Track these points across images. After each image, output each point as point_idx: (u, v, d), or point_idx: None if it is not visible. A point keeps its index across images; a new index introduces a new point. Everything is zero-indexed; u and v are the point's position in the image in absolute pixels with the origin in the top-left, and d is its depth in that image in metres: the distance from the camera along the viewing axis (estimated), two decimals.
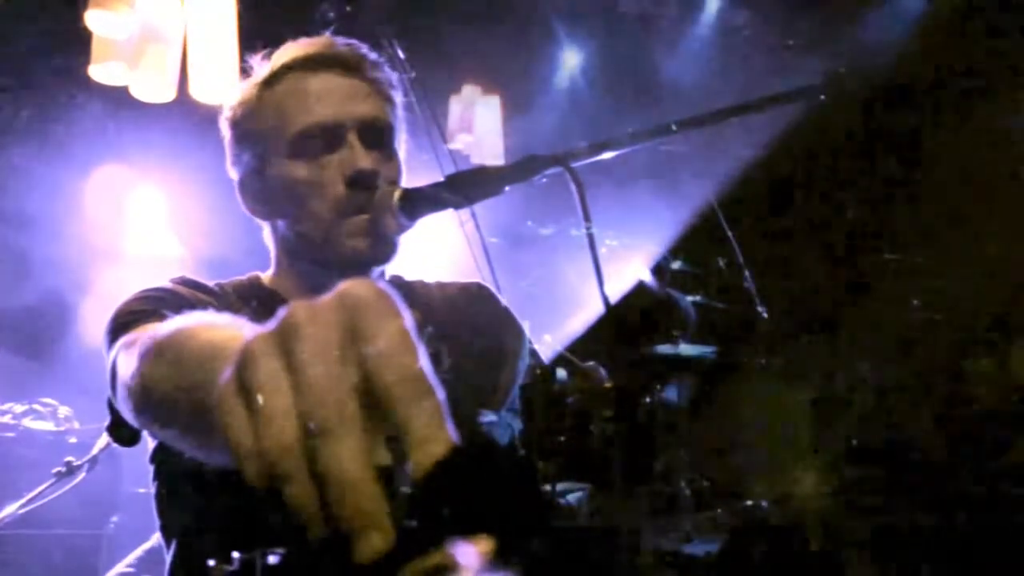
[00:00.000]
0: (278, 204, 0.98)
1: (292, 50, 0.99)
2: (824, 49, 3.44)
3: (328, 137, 0.95)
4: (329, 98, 0.95)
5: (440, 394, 0.35)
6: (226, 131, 1.02)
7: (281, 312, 0.37)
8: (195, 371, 0.50)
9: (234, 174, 1.03)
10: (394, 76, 1.01)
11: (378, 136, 0.97)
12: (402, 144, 1.02)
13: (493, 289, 1.11)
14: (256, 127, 0.98)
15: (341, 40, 0.99)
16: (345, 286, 0.37)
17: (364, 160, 0.93)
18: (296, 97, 0.96)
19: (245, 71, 1.01)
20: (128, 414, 0.75)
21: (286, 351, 0.35)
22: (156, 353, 0.58)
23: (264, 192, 0.99)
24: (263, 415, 0.34)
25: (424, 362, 0.35)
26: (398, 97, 1.01)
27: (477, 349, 1.02)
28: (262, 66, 1.00)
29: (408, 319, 0.36)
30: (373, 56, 0.99)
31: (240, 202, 1.03)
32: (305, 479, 0.33)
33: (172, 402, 0.53)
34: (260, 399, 0.34)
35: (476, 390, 0.99)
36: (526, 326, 1.08)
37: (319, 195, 0.94)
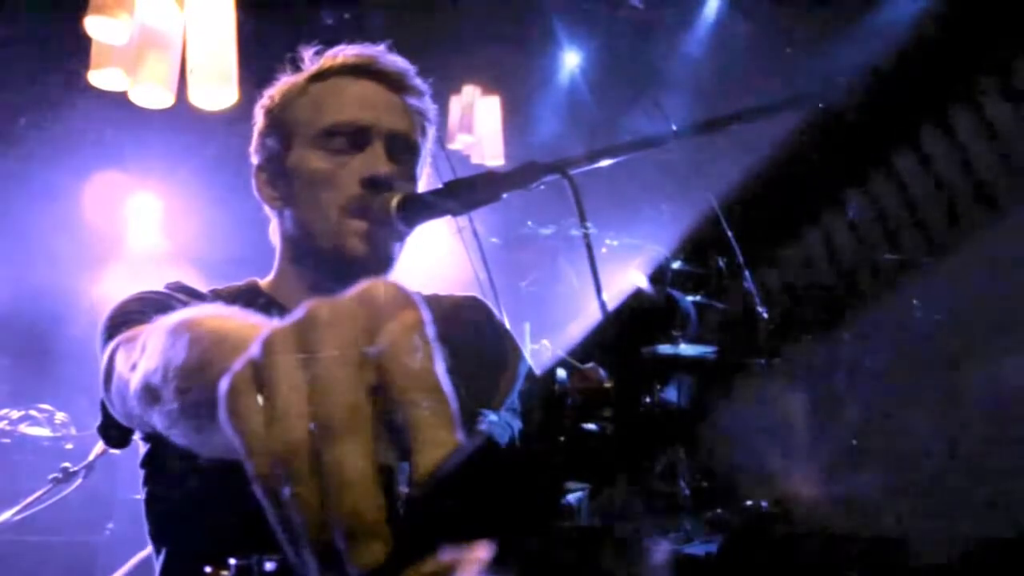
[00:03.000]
0: (290, 191, 0.99)
1: (343, 53, 1.01)
2: (823, 54, 3.45)
3: (355, 137, 0.97)
4: (365, 103, 0.98)
5: (453, 401, 0.35)
6: (260, 117, 1.04)
7: (301, 307, 0.36)
8: (201, 354, 0.49)
9: (255, 159, 1.04)
10: (433, 109, 1.04)
11: (403, 151, 0.99)
12: (424, 176, 1.04)
13: (489, 303, 1.12)
14: (289, 115, 1.00)
15: (394, 57, 1.02)
16: (367, 285, 0.37)
17: (384, 167, 0.95)
18: (334, 95, 0.99)
19: (295, 62, 1.03)
20: (120, 406, 0.75)
21: (304, 347, 0.34)
22: (160, 338, 0.58)
23: (280, 177, 1.00)
24: (276, 411, 0.34)
25: (440, 367, 0.35)
26: (431, 130, 1.04)
27: (475, 354, 1.02)
28: (313, 61, 1.03)
29: (428, 321, 0.36)
30: (418, 82, 1.02)
31: (254, 187, 1.04)
32: (310, 480, 0.33)
33: (173, 384, 0.53)
34: (274, 394, 0.34)
35: (475, 391, 0.99)
36: (526, 327, 1.09)
37: (332, 190, 0.95)
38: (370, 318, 0.35)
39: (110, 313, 0.88)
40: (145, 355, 0.62)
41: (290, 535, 0.34)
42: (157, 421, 0.58)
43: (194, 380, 0.50)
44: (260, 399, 0.35)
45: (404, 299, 0.36)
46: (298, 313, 0.36)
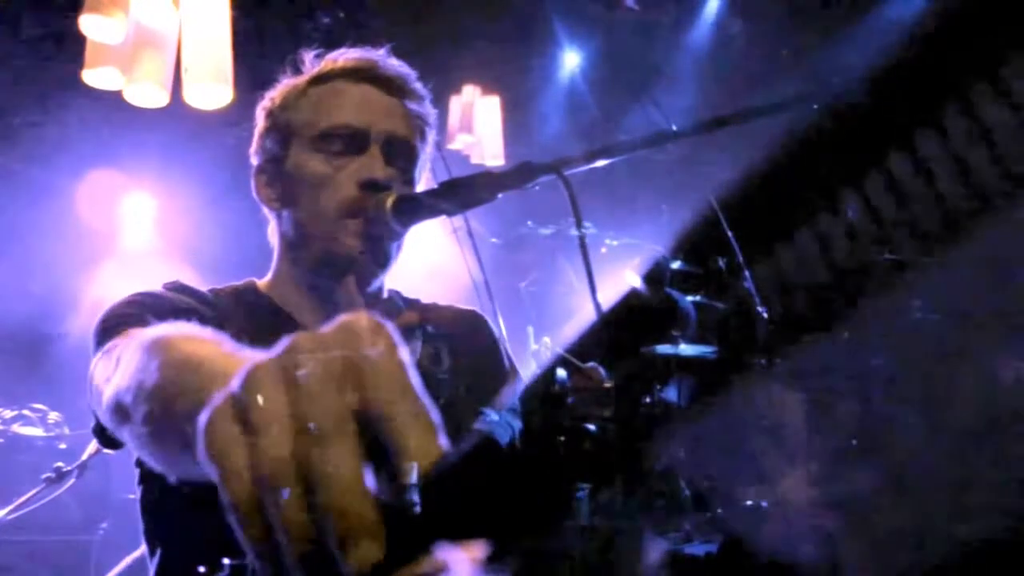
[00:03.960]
0: (289, 193, 1.00)
1: (343, 57, 1.02)
2: (821, 55, 3.45)
3: (353, 140, 0.97)
4: (364, 106, 0.99)
5: (435, 414, 0.36)
6: (260, 118, 1.05)
7: (284, 341, 0.38)
8: (172, 381, 0.50)
9: (255, 160, 1.05)
10: (432, 114, 1.04)
11: (401, 154, 0.99)
12: (423, 180, 1.04)
13: (487, 317, 1.13)
14: (289, 117, 1.01)
15: (394, 61, 1.03)
16: (345, 318, 0.38)
17: (381, 170, 0.96)
18: (333, 98, 0.99)
19: (295, 65, 1.04)
20: (100, 416, 0.76)
21: (286, 381, 0.35)
22: (134, 356, 0.59)
23: (278, 179, 1.01)
24: (259, 446, 0.34)
25: (419, 385, 0.36)
26: (431, 134, 1.04)
27: (471, 365, 1.03)
28: (314, 64, 1.03)
29: (404, 348, 0.37)
30: (418, 86, 1.03)
31: (253, 188, 1.04)
32: (299, 491, 0.33)
33: (144, 407, 0.54)
34: (257, 429, 0.35)
35: (471, 400, 0.99)
36: (530, 331, 1.09)
37: (330, 192, 0.95)
38: (350, 348, 0.36)
39: (101, 317, 0.88)
40: (119, 371, 0.62)
41: (270, 560, 0.35)
42: (127, 439, 0.59)
43: (164, 408, 0.50)
44: (242, 434, 0.35)
45: (381, 329, 0.37)
46: (278, 347, 0.37)
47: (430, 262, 2.28)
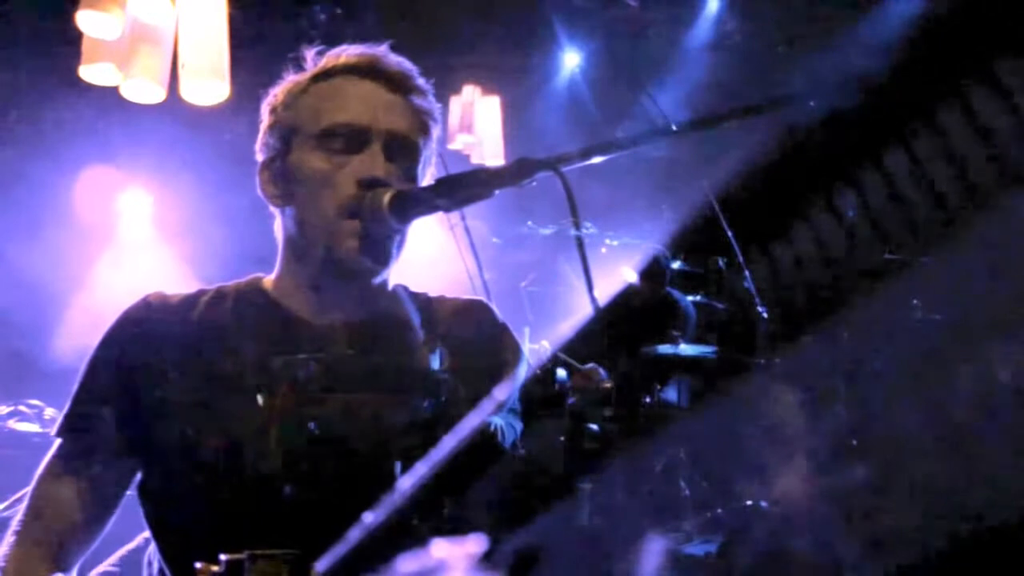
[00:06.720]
0: (291, 190, 1.00)
1: (345, 54, 1.02)
2: (816, 55, 3.45)
3: (354, 138, 0.97)
4: (365, 103, 0.99)
5: None
6: (264, 115, 1.05)
7: None
8: None
9: (259, 156, 1.05)
10: (436, 108, 1.04)
11: (402, 151, 0.99)
12: (427, 176, 1.04)
13: (494, 307, 1.13)
14: (292, 114, 1.01)
15: (396, 57, 1.03)
16: None
17: (381, 168, 0.96)
18: (335, 96, 1.00)
19: (297, 61, 1.05)
20: None
21: None
22: None
23: (281, 176, 1.02)
24: None
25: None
26: (435, 130, 1.04)
27: (477, 355, 1.03)
28: (315, 61, 1.04)
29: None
30: (421, 82, 1.03)
31: (258, 185, 1.05)
32: None
33: None
34: None
35: (476, 391, 0.98)
36: (526, 332, 1.08)
37: (330, 190, 0.96)
38: None
39: (83, 372, 1.05)
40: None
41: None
42: None
43: None
44: None
45: None
46: None
47: (430, 260, 2.27)
